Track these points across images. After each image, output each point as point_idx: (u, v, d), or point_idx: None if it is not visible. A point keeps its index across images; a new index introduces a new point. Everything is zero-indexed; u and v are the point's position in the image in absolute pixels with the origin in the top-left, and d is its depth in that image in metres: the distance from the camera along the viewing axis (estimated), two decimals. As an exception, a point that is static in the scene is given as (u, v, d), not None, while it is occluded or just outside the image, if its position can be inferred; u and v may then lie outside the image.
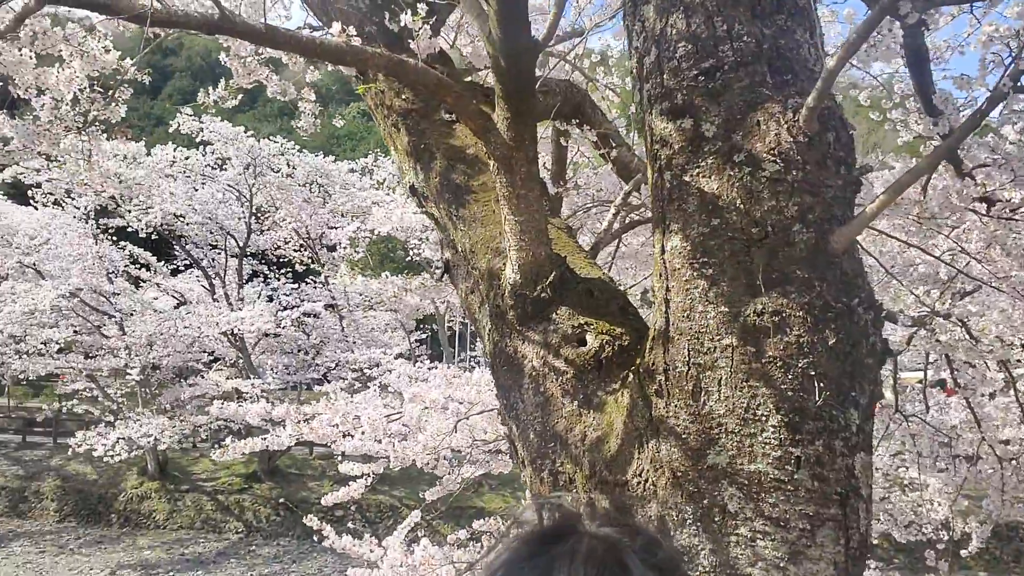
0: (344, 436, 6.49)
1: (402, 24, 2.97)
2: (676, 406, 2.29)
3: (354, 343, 22.93)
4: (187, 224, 22.44)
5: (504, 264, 2.87)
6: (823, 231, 2.17)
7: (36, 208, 21.76)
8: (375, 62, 2.58)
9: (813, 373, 2.09)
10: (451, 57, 3.93)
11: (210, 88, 4.29)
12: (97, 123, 3.60)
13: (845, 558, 2.13)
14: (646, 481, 2.32)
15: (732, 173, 2.30)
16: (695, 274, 2.32)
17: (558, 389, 2.61)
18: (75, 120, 3.54)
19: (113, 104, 3.53)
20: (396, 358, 18.13)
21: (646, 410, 2.38)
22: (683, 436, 2.27)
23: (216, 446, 7.18)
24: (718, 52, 2.33)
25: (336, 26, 2.62)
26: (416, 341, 27.60)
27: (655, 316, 2.47)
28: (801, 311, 2.12)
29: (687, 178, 2.37)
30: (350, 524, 19.00)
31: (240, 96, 4.33)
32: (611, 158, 4.60)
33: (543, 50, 2.92)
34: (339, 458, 7.90)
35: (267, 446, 5.97)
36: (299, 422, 5.89)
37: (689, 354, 2.30)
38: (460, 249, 3.21)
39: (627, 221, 4.78)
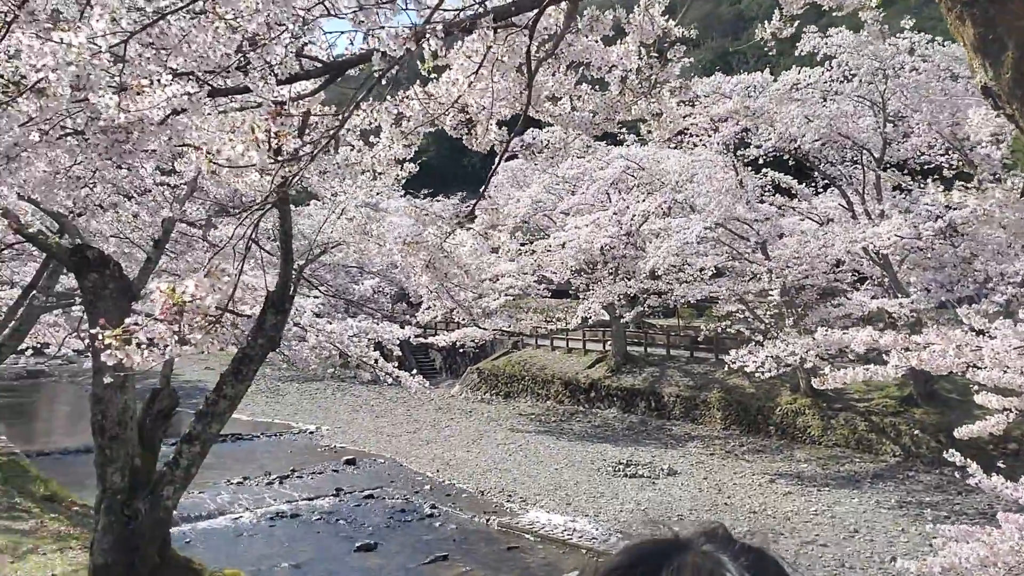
0: (969, 367, 5.77)
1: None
2: None
3: (1016, 253, 19.72)
4: (817, 144, 22.26)
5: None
6: None
7: (682, 149, 24.33)
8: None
9: None
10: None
11: (765, 23, 4.23)
12: (658, 84, 3.92)
13: None
14: None
15: None
16: None
17: None
18: (641, 86, 3.93)
19: (669, 64, 3.79)
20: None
21: None
22: None
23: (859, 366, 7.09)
24: None
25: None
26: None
27: None
28: None
29: None
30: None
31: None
32: None
33: None
34: (974, 388, 7.07)
35: (869, 376, 5.69)
36: (907, 351, 5.44)
37: None
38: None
39: None
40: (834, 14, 3.93)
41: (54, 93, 2.50)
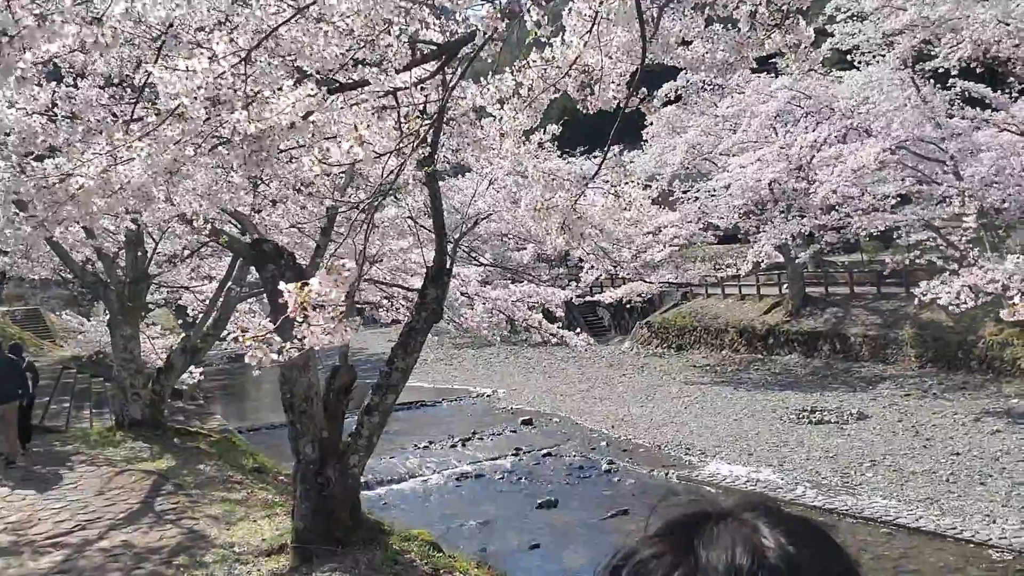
0: None
1: None
2: None
3: None
4: (1015, 47, 19.80)
5: None
6: None
7: (858, 69, 22.40)
8: None
9: None
10: None
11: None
12: (796, 12, 3.63)
13: None
14: None
15: None
16: None
17: None
18: (772, 18, 3.65)
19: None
20: None
21: None
22: None
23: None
24: None
25: None
26: None
27: None
28: None
29: None
30: None
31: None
32: None
33: None
34: None
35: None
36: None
37: None
38: None
39: None
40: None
41: (192, 116, 2.70)
